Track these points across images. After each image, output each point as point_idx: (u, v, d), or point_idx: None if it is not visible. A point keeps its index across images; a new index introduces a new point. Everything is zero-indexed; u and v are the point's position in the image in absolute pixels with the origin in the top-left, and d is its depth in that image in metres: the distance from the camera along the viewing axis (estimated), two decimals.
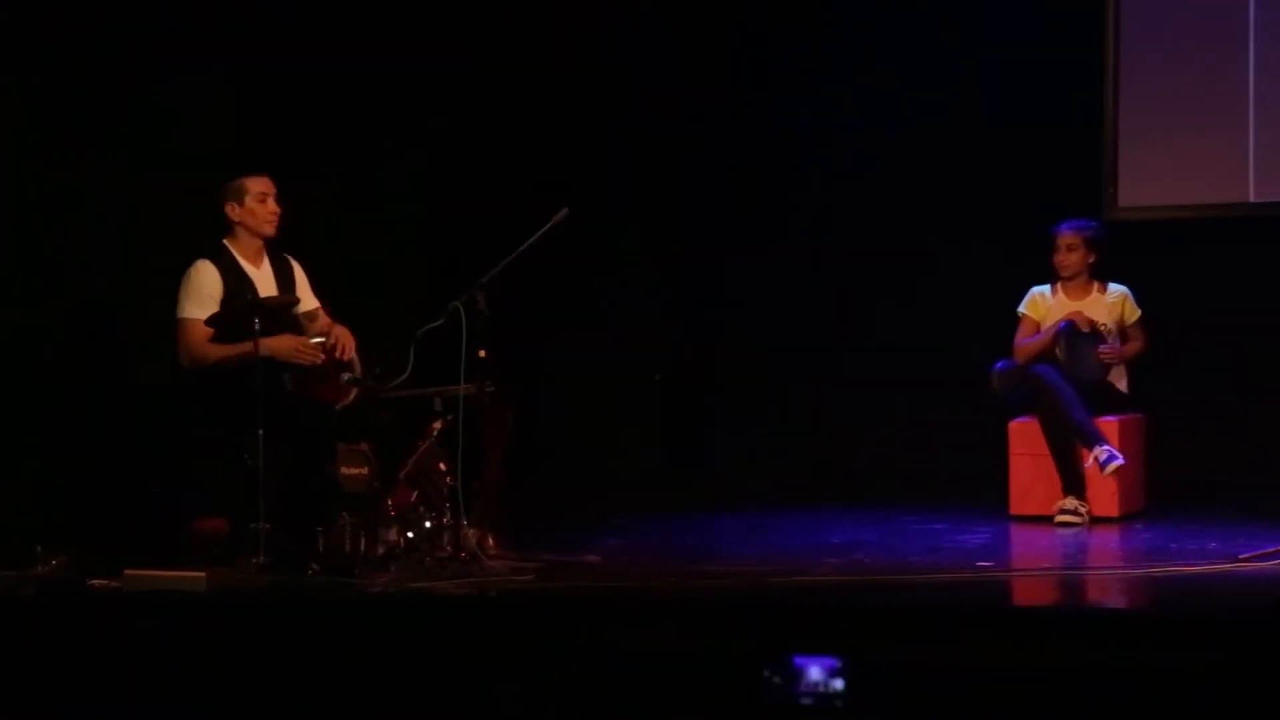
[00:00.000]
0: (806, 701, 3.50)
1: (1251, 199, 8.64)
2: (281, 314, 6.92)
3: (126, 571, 6.35)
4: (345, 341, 6.92)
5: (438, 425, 6.92)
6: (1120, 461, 7.81)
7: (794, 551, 7.25)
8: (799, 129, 9.42)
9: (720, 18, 9.36)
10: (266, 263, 7.06)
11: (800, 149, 9.42)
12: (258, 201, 6.98)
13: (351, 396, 6.83)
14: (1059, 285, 8.28)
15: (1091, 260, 8.20)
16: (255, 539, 6.49)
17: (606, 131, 9.32)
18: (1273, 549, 6.66)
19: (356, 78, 8.61)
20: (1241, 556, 6.67)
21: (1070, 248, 8.19)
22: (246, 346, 6.60)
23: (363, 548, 6.73)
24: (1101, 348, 8.11)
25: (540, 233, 6.99)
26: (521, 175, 9.03)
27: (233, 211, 7.01)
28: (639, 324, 9.51)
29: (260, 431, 6.49)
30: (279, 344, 6.78)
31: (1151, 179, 8.80)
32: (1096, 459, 7.83)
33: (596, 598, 6.29)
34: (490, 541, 6.94)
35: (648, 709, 5.49)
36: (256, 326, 6.60)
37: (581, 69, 9.30)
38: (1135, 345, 8.21)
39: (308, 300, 7.15)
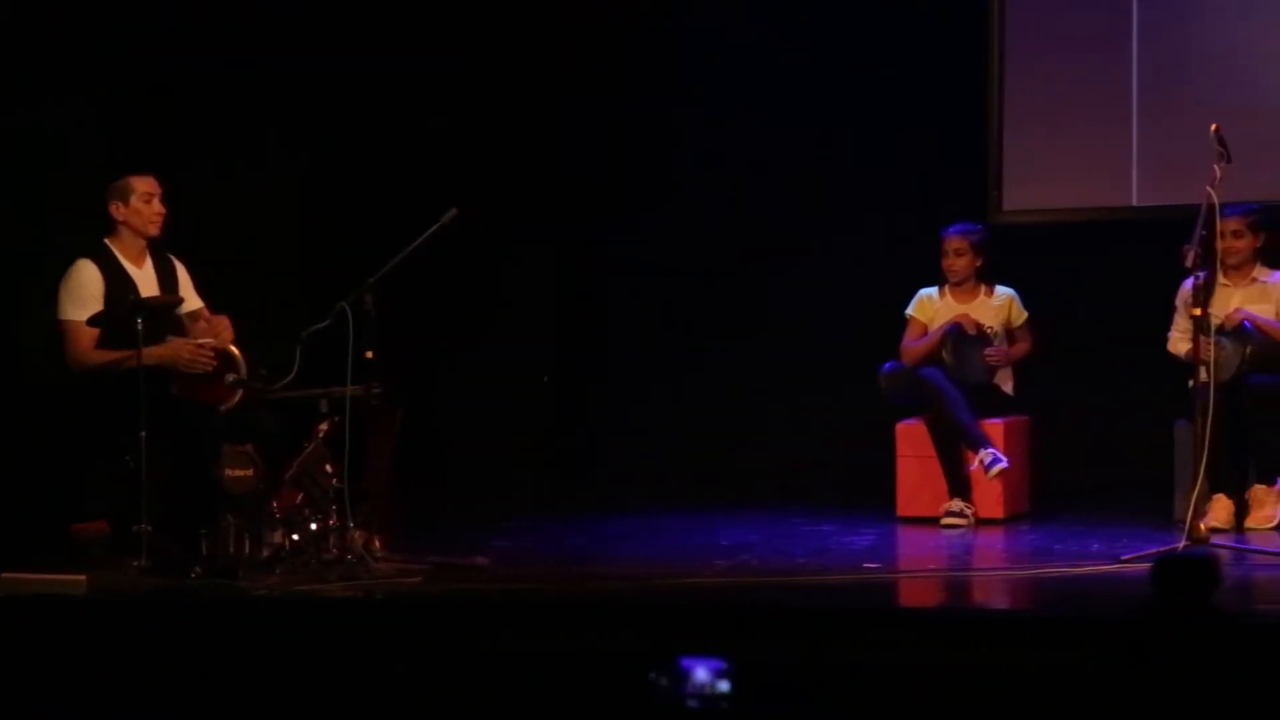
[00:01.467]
0: (692, 703, 3.49)
1: (1134, 202, 8.73)
2: (164, 314, 6.84)
3: (4, 574, 6.26)
4: (224, 333, 6.85)
5: (324, 427, 6.87)
6: (1004, 465, 7.88)
7: (682, 553, 7.25)
8: (686, 131, 9.42)
9: (600, 16, 9.33)
10: (149, 262, 6.99)
11: (687, 151, 9.42)
12: (143, 201, 6.91)
13: (236, 398, 6.76)
14: (946, 288, 8.34)
15: (978, 263, 8.26)
16: (137, 541, 6.42)
17: (495, 131, 9.27)
18: (1154, 550, 6.74)
19: (239, 75, 8.52)
20: (1123, 557, 6.74)
21: (958, 251, 8.24)
22: (132, 352, 6.52)
23: (247, 550, 6.68)
24: (988, 350, 8.17)
25: (429, 233, 6.96)
26: (411, 175, 8.97)
27: (117, 211, 6.93)
28: (528, 325, 9.48)
29: (143, 433, 6.41)
30: (169, 351, 6.72)
31: (1036, 182, 8.87)
32: (981, 462, 7.89)
33: (483, 600, 6.27)
34: (377, 544, 6.89)
35: (534, 711, 5.48)
36: (139, 327, 6.53)
37: (472, 68, 9.26)
38: (1022, 347, 8.28)
39: (191, 300, 7.08)
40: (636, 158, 9.45)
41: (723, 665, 3.51)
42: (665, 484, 9.01)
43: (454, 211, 6.96)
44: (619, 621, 5.90)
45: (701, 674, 3.52)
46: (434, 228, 6.95)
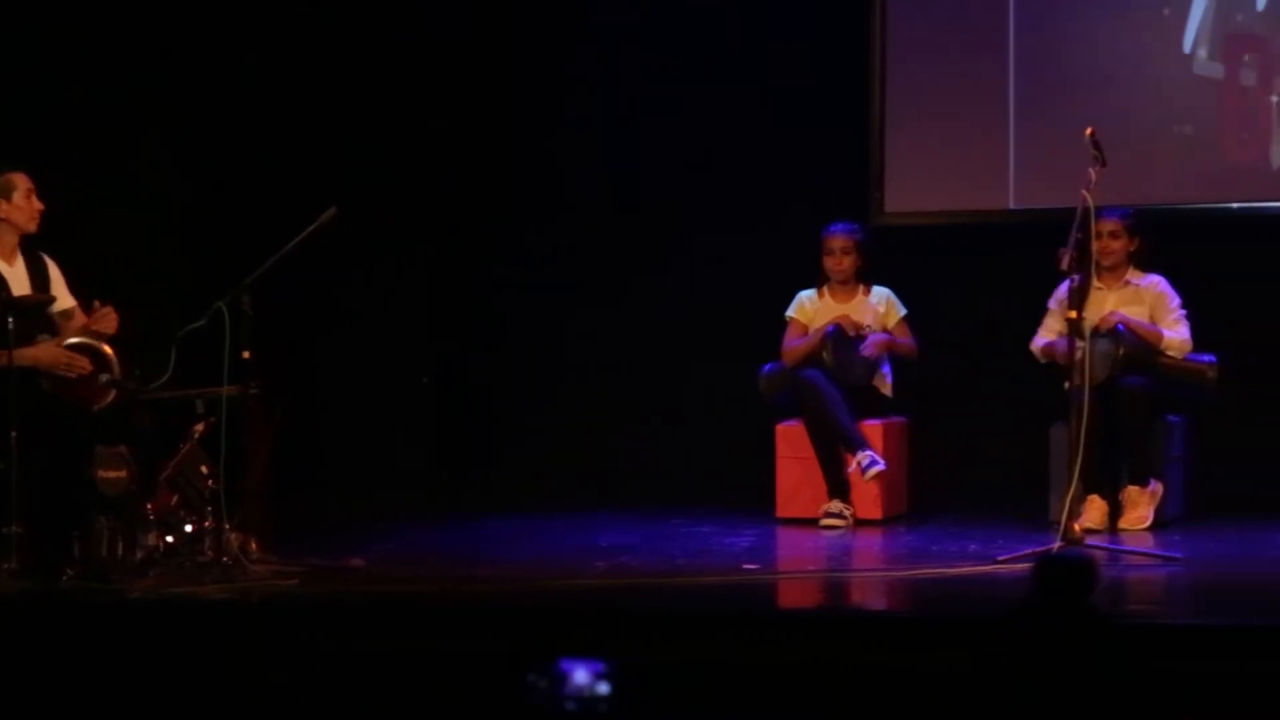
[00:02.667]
0: (571, 706, 3.48)
1: (1011, 205, 8.81)
2: (35, 313, 6.75)
3: None
4: (108, 325, 6.76)
5: (200, 427, 6.80)
6: (881, 467, 7.91)
7: (561, 555, 7.24)
8: (569, 131, 9.40)
9: (475, 19, 9.30)
10: (20, 260, 6.88)
11: (570, 151, 9.40)
12: (25, 198, 6.82)
13: (109, 398, 6.68)
14: (826, 289, 8.37)
15: (860, 263, 8.30)
16: (7, 543, 6.32)
17: (374, 129, 9.21)
18: (1030, 551, 6.79)
19: (112, 70, 8.42)
20: (1000, 558, 6.79)
21: (844, 250, 8.27)
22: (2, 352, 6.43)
23: (121, 552, 6.60)
24: (869, 338, 8.16)
25: (307, 232, 6.91)
26: (291, 174, 8.90)
27: None
28: (409, 325, 9.42)
29: (13, 433, 6.32)
30: (43, 354, 6.63)
31: (916, 184, 8.92)
32: (859, 464, 7.93)
33: (361, 602, 6.22)
34: (254, 545, 6.84)
35: (411, 714, 5.44)
36: (10, 326, 6.43)
37: (354, 66, 9.20)
38: (906, 341, 8.27)
39: (64, 299, 6.97)
40: (519, 157, 9.42)
41: (601, 667, 3.50)
42: (545, 485, 8.99)
43: (333, 211, 6.91)
44: (497, 623, 5.88)
45: (580, 676, 3.51)
46: (312, 227, 6.90)
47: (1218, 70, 8.55)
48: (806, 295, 8.37)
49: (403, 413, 9.35)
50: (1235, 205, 8.58)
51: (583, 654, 3.60)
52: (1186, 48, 8.56)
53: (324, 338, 9.23)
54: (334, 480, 8.99)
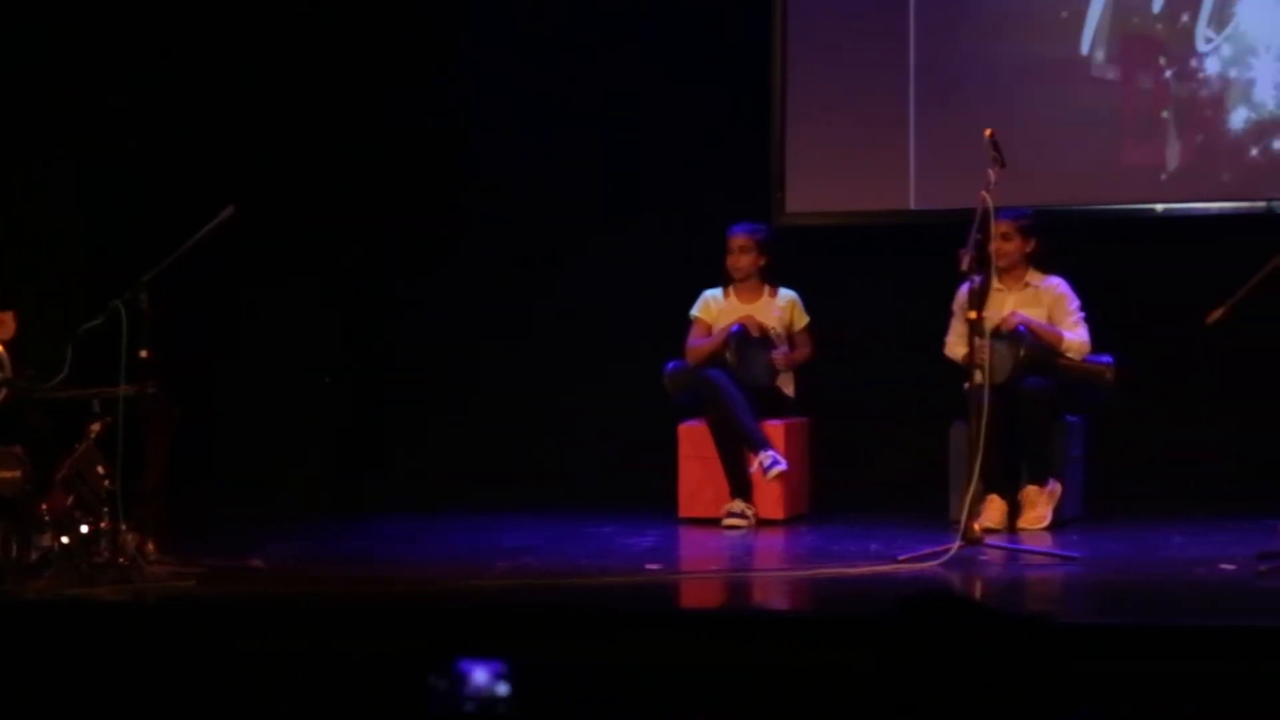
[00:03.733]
0: (470, 707, 3.46)
1: (912, 206, 8.85)
2: None
3: None
4: (3, 331, 6.68)
5: (96, 427, 6.72)
6: (782, 467, 7.93)
7: (463, 555, 7.21)
8: (469, 131, 9.36)
9: (381, 16, 9.25)
10: None
11: (471, 151, 9.37)
12: None
13: (1, 397, 6.59)
14: (731, 289, 8.38)
15: (762, 262, 8.31)
16: None
17: (276, 127, 9.14)
18: (930, 550, 6.83)
19: (2, 68, 8.32)
20: (900, 558, 6.83)
21: (743, 249, 8.29)
22: None
23: (15, 554, 6.51)
24: (775, 352, 8.22)
25: (205, 230, 6.85)
26: (192, 172, 8.81)
27: None
28: (310, 324, 9.35)
29: None
30: None
31: (818, 185, 8.95)
32: (761, 464, 7.94)
33: (258, 604, 6.17)
34: (151, 546, 6.76)
35: (311, 716, 5.40)
36: None
37: (254, 62, 9.12)
38: (804, 351, 8.34)
39: None
40: (422, 156, 9.37)
41: (501, 668, 3.49)
42: (447, 486, 8.95)
43: (231, 209, 6.86)
44: (398, 624, 5.85)
45: (480, 677, 3.49)
46: (210, 225, 6.85)
47: (1114, 72, 8.63)
48: (711, 295, 8.39)
49: (303, 413, 9.28)
50: (1132, 206, 8.66)
51: (484, 655, 3.58)
52: (1084, 49, 8.63)
53: (223, 337, 9.15)
54: (232, 480, 8.90)
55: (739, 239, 8.30)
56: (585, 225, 9.25)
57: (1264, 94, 8.46)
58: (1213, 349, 7.97)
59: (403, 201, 9.34)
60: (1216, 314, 6.76)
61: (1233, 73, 8.49)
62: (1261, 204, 8.45)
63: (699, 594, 6.77)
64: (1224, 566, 6.68)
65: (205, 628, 5.85)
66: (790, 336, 8.35)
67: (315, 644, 5.70)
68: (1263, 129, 8.46)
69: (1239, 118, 8.49)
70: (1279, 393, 7.85)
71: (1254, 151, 8.48)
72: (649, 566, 6.91)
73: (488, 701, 3.52)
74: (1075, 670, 5.24)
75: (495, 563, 6.95)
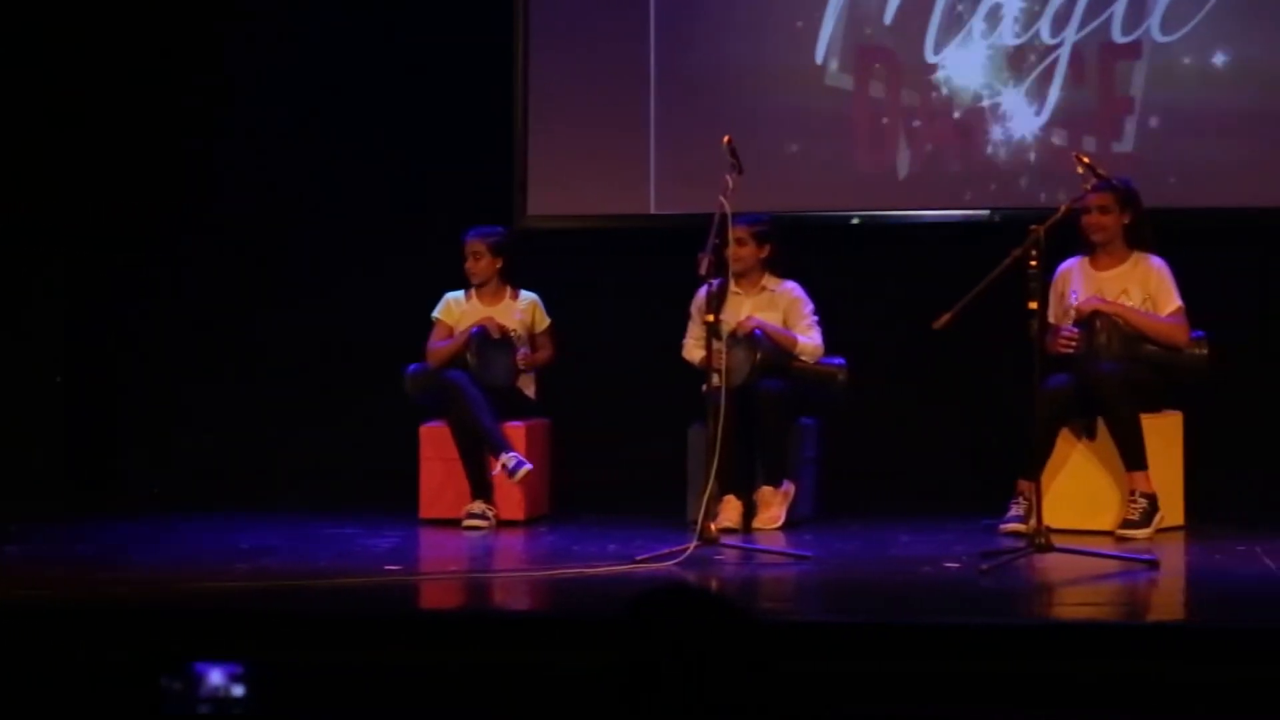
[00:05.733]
0: (205, 709, 3.44)
1: (652, 210, 8.96)
2: None
3: None
4: None
5: None
6: (527, 468, 7.98)
7: (201, 557, 7.12)
8: (212, 130, 9.26)
9: (121, 22, 9.11)
10: None
11: (214, 151, 9.26)
12: None
13: None
14: (472, 291, 8.41)
15: (499, 265, 8.35)
16: None
17: (5, 127, 8.95)
18: (667, 550, 6.93)
19: None
20: (638, 558, 6.91)
21: (476, 254, 8.32)
22: None
23: None
24: (520, 353, 8.25)
25: None
26: None
27: None
28: (39, 323, 9.16)
29: None
30: None
31: (560, 188, 9.00)
32: (505, 465, 7.98)
33: None
34: None
35: None
36: None
37: None
38: (545, 353, 8.39)
39: None
40: (161, 156, 9.24)
41: (237, 669, 3.48)
42: (185, 487, 8.84)
43: None
44: (132, 627, 5.77)
45: (215, 678, 3.47)
46: None
47: (848, 82, 8.82)
48: (453, 297, 8.40)
49: (33, 412, 9.09)
50: (865, 214, 8.86)
51: (224, 658, 3.56)
52: (819, 59, 8.81)
53: None
54: None
55: (473, 244, 8.34)
56: (330, 227, 9.20)
57: (990, 105, 8.71)
58: (939, 353, 8.21)
59: (144, 201, 9.20)
60: (944, 319, 6.95)
61: (960, 84, 8.73)
62: (987, 211, 8.71)
63: (439, 595, 6.78)
64: (949, 565, 6.88)
65: None
66: (531, 338, 8.40)
67: (47, 648, 5.60)
68: (988, 138, 8.72)
69: (966, 127, 8.74)
70: (1001, 395, 8.08)
71: (980, 159, 8.73)
72: (389, 568, 6.91)
73: (223, 703, 3.51)
74: (806, 667, 5.38)
75: (235, 565, 6.88)
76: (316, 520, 8.06)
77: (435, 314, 8.36)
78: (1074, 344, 7.64)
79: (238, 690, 3.48)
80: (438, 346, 8.28)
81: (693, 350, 8.07)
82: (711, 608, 3.31)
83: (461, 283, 8.40)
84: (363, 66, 9.15)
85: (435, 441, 8.18)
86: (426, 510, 8.15)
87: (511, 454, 7.97)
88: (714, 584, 6.61)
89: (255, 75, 9.21)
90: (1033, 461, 7.27)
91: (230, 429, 9.14)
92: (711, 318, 7.35)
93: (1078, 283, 7.86)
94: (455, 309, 8.38)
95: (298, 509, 8.36)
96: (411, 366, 8.24)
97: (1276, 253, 8.54)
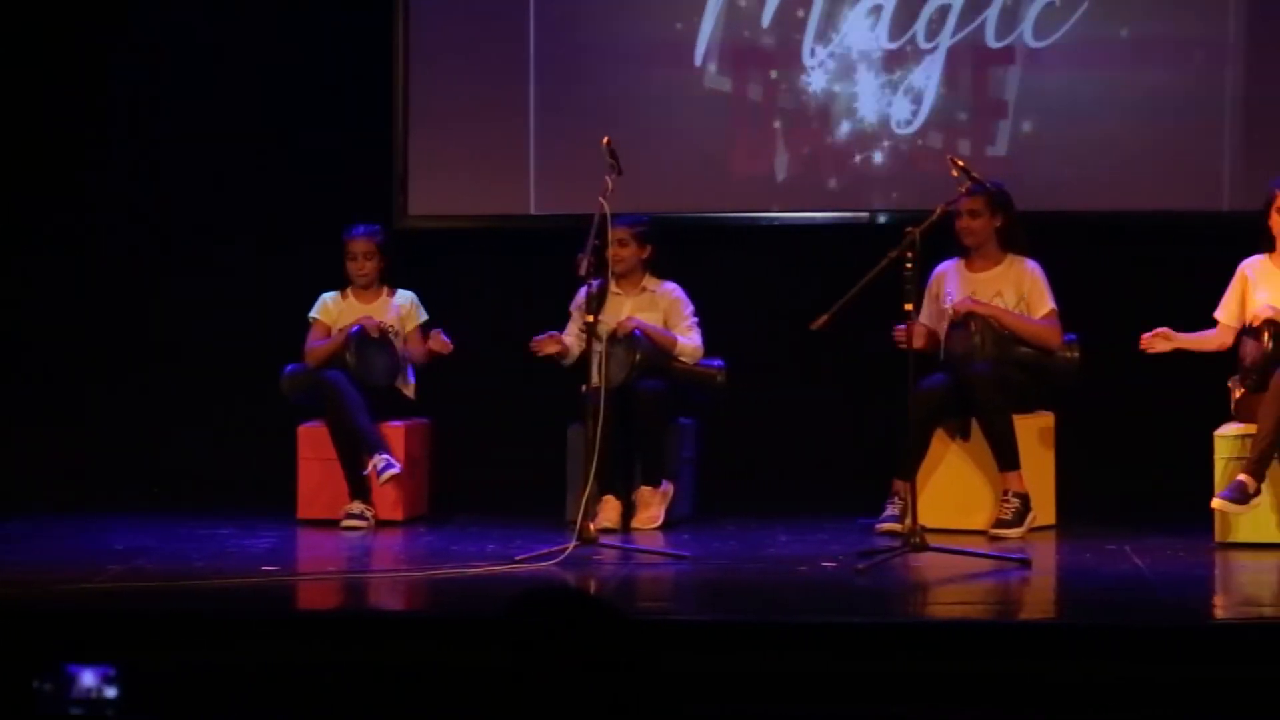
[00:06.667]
0: (77, 710, 3.41)
1: (533, 211, 8.97)
2: None
3: None
4: None
5: None
6: (396, 470, 7.92)
7: (73, 557, 7.05)
8: (94, 124, 9.16)
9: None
10: None
11: (94, 147, 9.16)
12: None
13: None
14: (349, 290, 8.37)
15: (382, 265, 8.32)
16: None
17: None
18: (546, 550, 6.94)
19: None
20: (517, 558, 6.92)
21: (367, 255, 8.29)
22: None
23: None
24: (431, 338, 8.20)
25: None
26: None
27: None
28: None
29: None
30: None
31: (441, 187, 8.99)
32: (375, 467, 7.94)
33: None
34: None
35: None
36: None
37: None
38: (420, 351, 8.34)
39: None
40: (41, 151, 9.13)
41: (110, 670, 3.45)
42: (55, 487, 8.73)
43: None
44: (2, 628, 5.70)
45: (87, 680, 3.44)
46: None
47: (726, 84, 8.86)
48: (330, 296, 8.37)
49: None
50: (744, 215, 8.92)
51: (97, 659, 3.53)
52: (698, 61, 8.85)
53: None
54: None
55: (359, 243, 8.30)
56: (204, 226, 9.13)
57: (866, 108, 8.79)
58: (817, 354, 8.28)
59: (19, 195, 9.09)
60: (821, 320, 7.01)
61: (837, 87, 8.81)
62: (864, 214, 8.79)
63: (315, 596, 6.75)
64: (825, 564, 6.93)
65: None
66: (407, 335, 8.37)
67: None
68: (865, 141, 8.80)
69: (843, 130, 8.81)
70: (876, 395, 8.17)
71: (857, 162, 8.81)
72: (266, 568, 6.87)
73: (95, 705, 3.48)
74: (684, 666, 5.41)
75: (106, 565, 6.82)
76: (192, 521, 7.99)
77: (313, 314, 8.32)
78: (905, 341, 7.45)
79: (111, 692, 3.46)
80: (316, 346, 8.24)
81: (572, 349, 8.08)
82: (589, 608, 3.33)
83: (339, 282, 8.36)
84: (239, 65, 9.09)
85: (313, 442, 8.14)
86: (304, 510, 8.10)
87: (383, 455, 7.93)
88: (592, 584, 6.63)
89: (133, 77, 9.12)
90: (908, 461, 7.33)
91: (106, 428, 9.05)
92: (590, 318, 7.37)
93: (953, 285, 7.95)
94: (333, 308, 8.34)
95: (173, 509, 8.29)
96: (289, 367, 8.19)
97: (1145, 256, 8.67)
